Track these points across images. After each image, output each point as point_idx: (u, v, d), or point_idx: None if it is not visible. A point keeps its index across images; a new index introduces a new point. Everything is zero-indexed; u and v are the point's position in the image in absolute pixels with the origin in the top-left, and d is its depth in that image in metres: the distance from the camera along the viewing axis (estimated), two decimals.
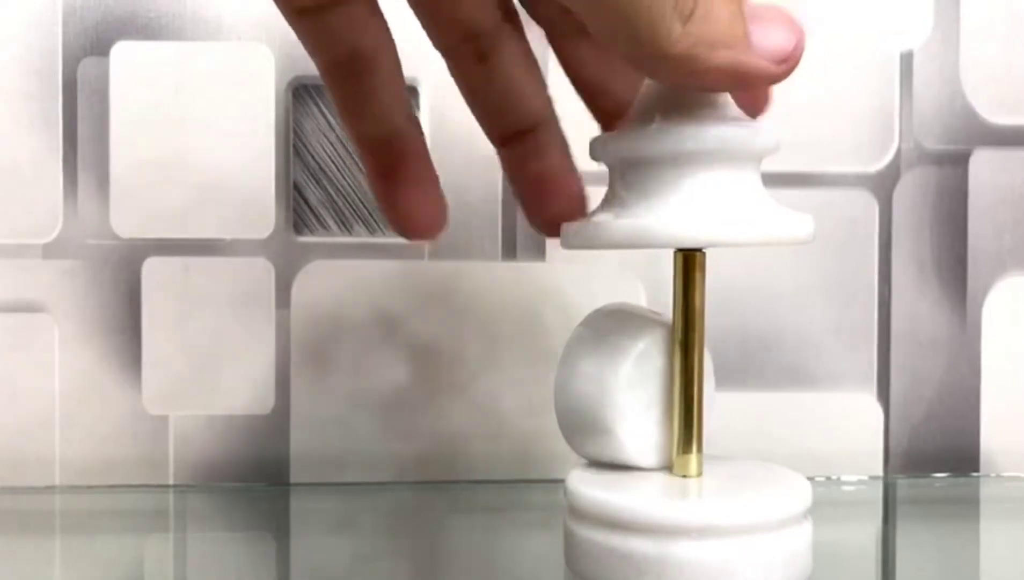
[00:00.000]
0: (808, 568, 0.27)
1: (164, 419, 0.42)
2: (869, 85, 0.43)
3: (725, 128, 0.26)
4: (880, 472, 0.43)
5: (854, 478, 0.43)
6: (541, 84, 0.32)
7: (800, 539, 0.27)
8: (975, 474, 0.43)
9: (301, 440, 0.42)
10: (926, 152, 0.43)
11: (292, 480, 0.42)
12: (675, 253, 0.28)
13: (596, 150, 0.28)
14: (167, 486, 0.41)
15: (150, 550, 0.37)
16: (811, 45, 0.43)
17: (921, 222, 0.43)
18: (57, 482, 0.41)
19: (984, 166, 0.43)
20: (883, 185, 0.43)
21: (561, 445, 0.30)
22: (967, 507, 0.41)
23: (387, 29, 0.30)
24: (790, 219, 0.27)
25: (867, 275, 0.43)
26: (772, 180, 0.43)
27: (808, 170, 0.43)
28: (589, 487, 0.27)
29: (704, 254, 0.28)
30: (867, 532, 0.39)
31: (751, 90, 0.24)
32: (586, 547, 0.27)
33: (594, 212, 0.28)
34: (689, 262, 0.28)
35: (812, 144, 0.43)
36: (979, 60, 0.43)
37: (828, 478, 0.43)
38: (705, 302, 0.28)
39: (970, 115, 0.43)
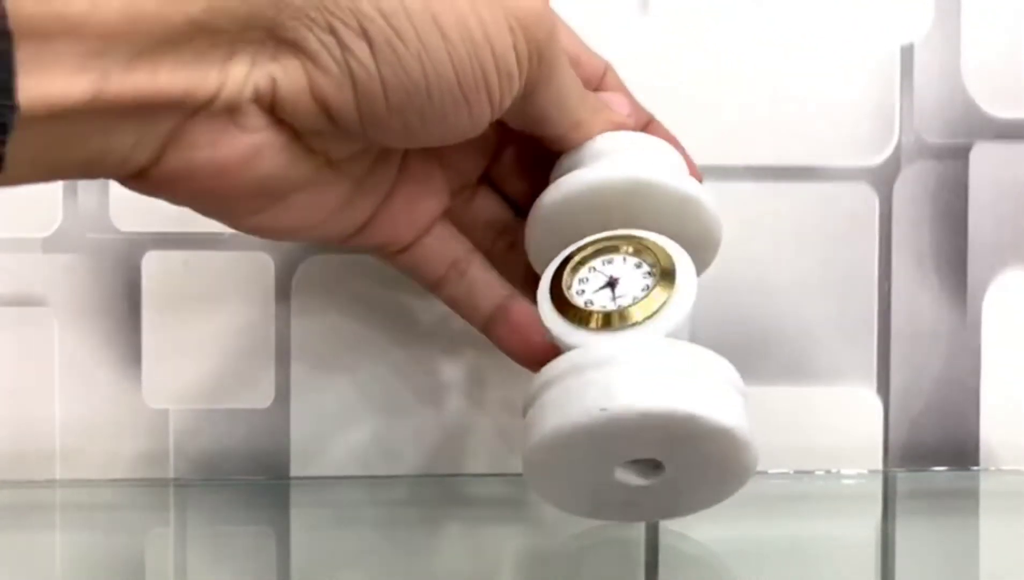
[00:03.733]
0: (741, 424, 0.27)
1: (164, 413, 0.42)
2: (869, 78, 0.43)
3: None
4: (880, 466, 0.43)
5: (853, 472, 0.43)
6: None
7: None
8: (975, 468, 0.43)
9: (301, 434, 0.42)
10: (926, 146, 0.43)
11: (292, 474, 0.42)
12: None
13: None
14: (167, 480, 0.41)
15: (150, 544, 0.37)
16: (812, 39, 0.43)
17: (921, 216, 0.43)
18: (57, 476, 0.41)
19: (985, 160, 0.43)
20: (883, 179, 0.43)
21: None
22: (967, 501, 0.42)
23: (467, 238, 0.34)
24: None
25: (867, 269, 0.43)
26: (771, 173, 0.43)
27: (808, 164, 0.43)
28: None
29: None
30: (867, 526, 0.39)
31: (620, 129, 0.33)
32: (531, 414, 0.28)
33: None
34: None
35: (812, 137, 0.43)
36: (980, 53, 0.43)
37: (828, 472, 0.43)
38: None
39: (971, 108, 0.43)
